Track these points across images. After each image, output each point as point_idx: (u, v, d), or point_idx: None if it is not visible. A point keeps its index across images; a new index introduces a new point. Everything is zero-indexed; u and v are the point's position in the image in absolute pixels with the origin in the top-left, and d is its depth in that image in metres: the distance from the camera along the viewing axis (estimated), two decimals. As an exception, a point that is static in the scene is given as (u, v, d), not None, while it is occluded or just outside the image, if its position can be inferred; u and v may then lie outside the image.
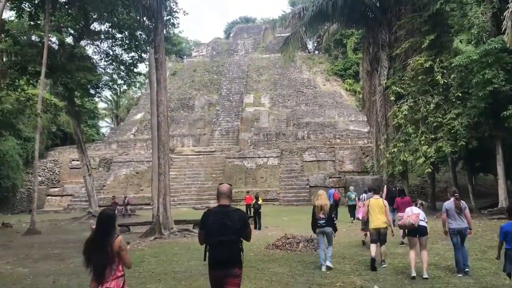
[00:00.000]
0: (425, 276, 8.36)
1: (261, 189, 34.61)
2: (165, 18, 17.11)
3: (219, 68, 60.27)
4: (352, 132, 45.91)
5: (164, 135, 16.66)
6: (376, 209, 9.67)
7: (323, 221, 9.38)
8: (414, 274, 8.44)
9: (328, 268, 9.19)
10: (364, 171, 40.15)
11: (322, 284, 7.56)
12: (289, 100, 53.31)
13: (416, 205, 9.58)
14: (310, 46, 71.61)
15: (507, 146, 20.10)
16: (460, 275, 8.75)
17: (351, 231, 15.43)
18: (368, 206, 9.89)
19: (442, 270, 9.23)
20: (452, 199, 9.20)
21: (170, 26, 18.23)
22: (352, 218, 20.68)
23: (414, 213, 8.77)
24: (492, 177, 34.32)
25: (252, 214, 21.64)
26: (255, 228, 19.70)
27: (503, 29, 16.43)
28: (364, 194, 18.01)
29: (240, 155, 40.78)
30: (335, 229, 9.97)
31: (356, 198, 21.41)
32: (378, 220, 9.58)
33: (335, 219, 18.77)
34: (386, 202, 10.02)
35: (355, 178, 37.88)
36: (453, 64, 18.71)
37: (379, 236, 9.68)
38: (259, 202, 22.34)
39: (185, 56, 69.96)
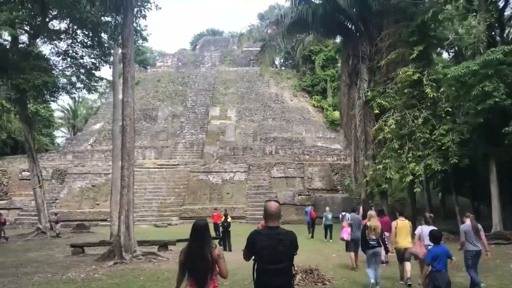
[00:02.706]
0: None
1: (227, 206, 32.68)
2: (135, 8, 14.92)
3: (185, 79, 58.11)
4: (321, 148, 44.76)
5: (130, 142, 14.34)
6: (404, 231, 10.30)
7: (375, 242, 9.71)
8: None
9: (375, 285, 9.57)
10: (333, 189, 38.85)
11: None
12: (256, 114, 51.78)
13: (425, 219, 9.73)
14: (277, 62, 70.74)
15: (502, 165, 18.95)
16: None
17: (343, 256, 13.66)
18: (395, 228, 10.37)
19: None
20: (467, 221, 9.44)
21: (140, 18, 15.94)
22: (329, 237, 21.33)
23: (423, 248, 8.99)
24: (464, 199, 33.70)
25: (221, 234, 20.20)
26: (225, 249, 18.29)
27: (510, 37, 15.35)
28: (348, 214, 17.13)
29: (205, 169, 38.58)
30: (386, 251, 10.87)
31: (333, 218, 22.30)
32: (405, 241, 10.17)
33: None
34: (410, 223, 10.59)
35: (325, 196, 36.55)
36: (448, 75, 17.49)
37: (404, 255, 10.18)
38: (229, 220, 20.49)
39: (149, 67, 67.41)
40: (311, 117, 52.97)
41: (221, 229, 20.07)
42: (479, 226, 9.37)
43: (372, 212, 10.36)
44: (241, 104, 53.27)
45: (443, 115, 19.09)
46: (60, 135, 72.84)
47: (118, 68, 22.03)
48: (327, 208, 23.51)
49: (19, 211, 35.87)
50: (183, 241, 17.98)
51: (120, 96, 16.24)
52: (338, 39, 30.53)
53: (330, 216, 21.89)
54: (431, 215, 10.02)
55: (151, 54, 79.20)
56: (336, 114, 52.32)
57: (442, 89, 19.07)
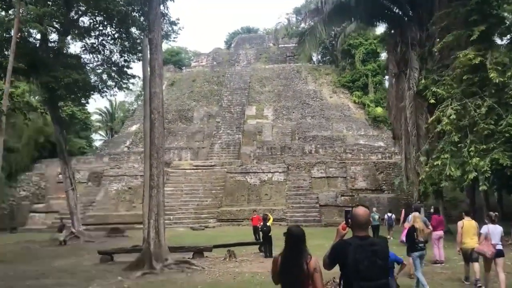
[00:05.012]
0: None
1: (265, 208, 31.11)
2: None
3: (220, 78, 56.89)
4: (364, 146, 42.39)
5: (158, 138, 12.90)
6: (471, 230, 10.11)
7: (423, 244, 9.61)
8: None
9: None
10: (378, 189, 36.50)
11: None
12: (294, 112, 49.91)
13: (490, 218, 9.38)
14: (315, 58, 68.49)
15: None
16: None
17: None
18: (461, 228, 10.19)
19: None
20: None
21: (167, 0, 14.50)
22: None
23: (490, 247, 8.86)
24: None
25: (261, 239, 18.53)
26: (266, 256, 16.68)
27: None
28: (410, 216, 15.42)
29: (242, 170, 37.04)
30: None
31: (380, 219, 21.73)
32: (472, 240, 9.92)
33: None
34: (476, 223, 10.32)
35: (370, 196, 34.40)
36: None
37: (471, 255, 9.91)
38: (269, 224, 18.73)
39: (184, 67, 66.79)
40: (352, 114, 50.68)
41: (261, 234, 18.32)
42: None
43: (416, 214, 10.40)
44: (278, 103, 51.56)
45: (511, 103, 16.75)
46: (98, 138, 73.43)
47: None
48: (374, 209, 22.46)
49: (56, 214, 35.51)
50: (219, 247, 16.42)
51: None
52: (383, 27, 28.28)
53: (377, 216, 21.12)
54: (496, 213, 9.95)
55: (186, 55, 78.67)
56: (379, 110, 49.78)
57: (509, 73, 16.71)
